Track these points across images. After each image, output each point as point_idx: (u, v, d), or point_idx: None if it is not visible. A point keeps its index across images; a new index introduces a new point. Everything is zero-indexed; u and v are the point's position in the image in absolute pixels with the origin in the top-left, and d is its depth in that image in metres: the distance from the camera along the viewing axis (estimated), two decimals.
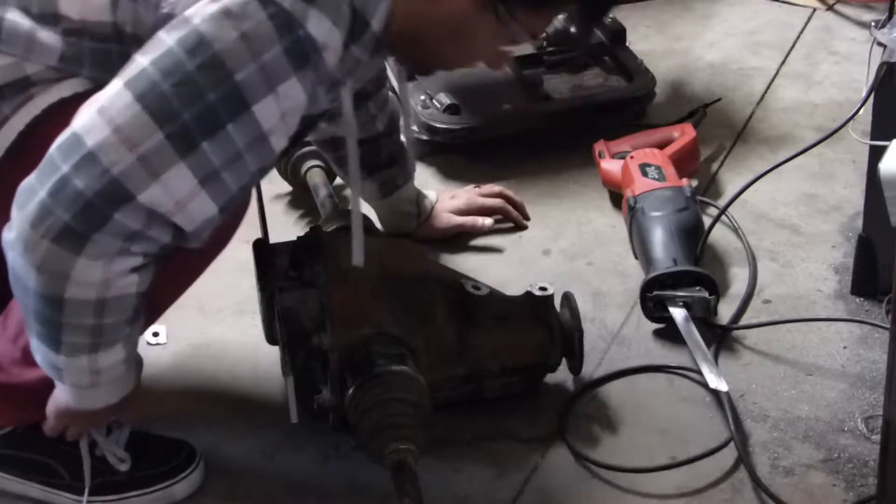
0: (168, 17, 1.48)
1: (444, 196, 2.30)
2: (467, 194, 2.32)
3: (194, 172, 1.46)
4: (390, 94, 2.12)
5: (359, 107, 1.87)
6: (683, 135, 2.40)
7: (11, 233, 1.47)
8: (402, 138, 2.11)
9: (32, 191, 1.45)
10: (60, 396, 1.65)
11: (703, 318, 2.01)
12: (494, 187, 2.34)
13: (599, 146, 2.41)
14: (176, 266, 1.57)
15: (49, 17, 1.55)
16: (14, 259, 1.49)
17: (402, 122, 1.97)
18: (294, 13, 1.45)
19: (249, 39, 1.44)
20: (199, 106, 1.44)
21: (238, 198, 1.53)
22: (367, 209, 2.14)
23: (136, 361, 1.65)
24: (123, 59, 1.49)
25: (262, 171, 1.55)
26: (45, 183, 1.44)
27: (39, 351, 1.57)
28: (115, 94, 1.45)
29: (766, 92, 2.72)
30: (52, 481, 1.75)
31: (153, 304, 1.61)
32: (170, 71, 1.44)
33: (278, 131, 1.50)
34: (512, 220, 2.32)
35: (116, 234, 1.46)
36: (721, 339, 2.02)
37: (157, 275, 1.54)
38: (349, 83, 1.60)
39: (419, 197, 2.24)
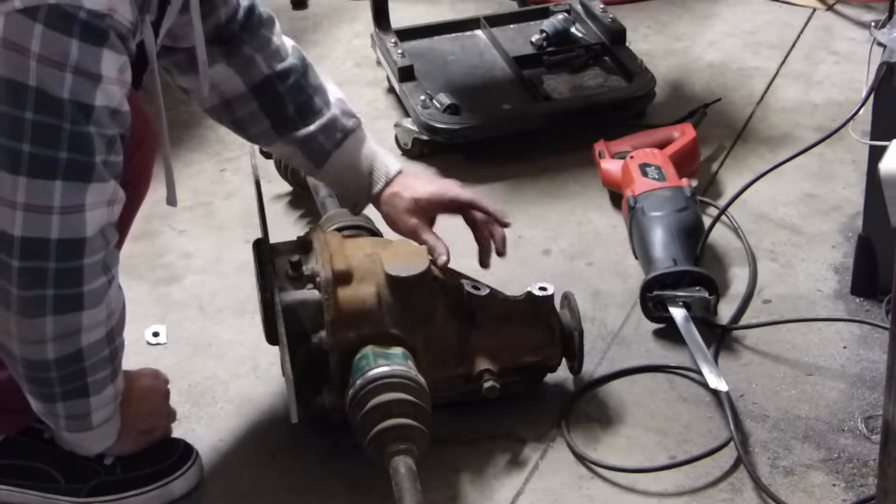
0: None
1: (405, 180, 1.91)
2: (439, 182, 1.95)
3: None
4: (288, 42, 1.90)
5: (232, 53, 1.83)
6: (683, 135, 2.40)
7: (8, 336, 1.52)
8: (332, 96, 1.90)
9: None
10: (87, 445, 1.69)
11: (703, 318, 2.01)
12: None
13: (599, 146, 2.41)
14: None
15: None
16: (21, 351, 1.53)
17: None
18: (62, 2, 1.40)
19: (45, 57, 1.41)
20: (60, 140, 1.44)
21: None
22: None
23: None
24: None
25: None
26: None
27: (65, 409, 1.60)
28: None
29: (766, 92, 2.72)
30: (49, 486, 1.74)
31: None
32: (10, 128, 1.42)
33: (125, 81, 1.50)
34: (487, 225, 1.92)
35: (96, 273, 1.51)
36: (721, 339, 2.02)
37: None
38: (148, 18, 1.57)
39: (373, 165, 1.90)
